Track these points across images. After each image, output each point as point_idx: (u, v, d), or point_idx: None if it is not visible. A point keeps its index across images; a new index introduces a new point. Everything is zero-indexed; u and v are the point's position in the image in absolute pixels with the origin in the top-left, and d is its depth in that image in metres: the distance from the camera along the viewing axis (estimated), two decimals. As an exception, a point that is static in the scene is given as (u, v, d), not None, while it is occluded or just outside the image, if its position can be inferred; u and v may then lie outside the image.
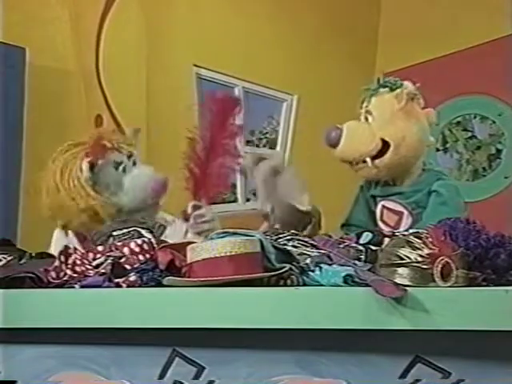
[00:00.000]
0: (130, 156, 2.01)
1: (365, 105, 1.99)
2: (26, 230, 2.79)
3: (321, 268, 1.35)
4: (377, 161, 1.94)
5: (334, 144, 1.98)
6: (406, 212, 1.93)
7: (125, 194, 1.96)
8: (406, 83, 1.98)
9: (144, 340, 1.30)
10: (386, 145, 1.93)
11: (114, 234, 1.60)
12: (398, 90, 1.95)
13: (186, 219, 1.89)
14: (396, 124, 1.94)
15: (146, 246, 1.49)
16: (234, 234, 1.40)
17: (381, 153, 1.94)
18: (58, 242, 1.96)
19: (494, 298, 1.20)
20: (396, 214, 1.95)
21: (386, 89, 1.97)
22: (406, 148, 1.93)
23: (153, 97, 3.40)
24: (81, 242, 1.91)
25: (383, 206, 1.99)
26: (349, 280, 1.28)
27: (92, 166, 1.92)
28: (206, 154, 1.89)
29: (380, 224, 1.98)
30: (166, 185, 2.00)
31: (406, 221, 1.92)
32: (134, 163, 2.01)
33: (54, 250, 1.86)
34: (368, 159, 1.94)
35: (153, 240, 1.54)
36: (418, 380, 1.24)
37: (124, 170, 1.98)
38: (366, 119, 1.98)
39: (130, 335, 1.29)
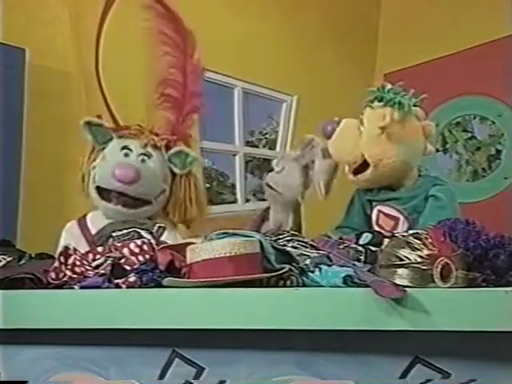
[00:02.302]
0: (145, 145, 2.00)
1: (362, 112, 1.96)
2: (26, 231, 2.79)
3: (320, 269, 1.35)
4: (359, 175, 1.95)
5: (326, 136, 2.00)
6: (402, 217, 1.93)
7: (98, 170, 1.97)
8: (401, 100, 1.90)
9: (144, 341, 1.30)
10: (366, 161, 1.93)
11: (114, 234, 1.61)
12: (385, 110, 1.89)
13: None
14: (377, 145, 1.90)
15: (145, 247, 1.49)
16: (234, 234, 1.40)
17: (362, 167, 1.94)
18: (66, 240, 1.95)
19: (494, 298, 1.20)
20: (392, 219, 1.95)
21: (381, 103, 1.91)
22: (383, 169, 1.91)
23: (153, 97, 3.39)
24: (86, 237, 1.92)
25: (379, 211, 1.99)
26: (348, 281, 1.28)
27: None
28: None
29: (376, 228, 1.97)
30: (133, 176, 1.92)
31: (402, 226, 1.91)
32: (146, 155, 2.00)
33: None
34: (346, 168, 1.97)
35: (152, 241, 1.54)
36: (417, 381, 1.24)
37: (126, 155, 1.98)
38: (358, 128, 1.96)
39: (129, 336, 1.29)
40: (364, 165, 1.94)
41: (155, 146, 2.01)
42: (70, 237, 1.93)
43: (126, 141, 2.02)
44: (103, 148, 2.02)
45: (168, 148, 2.04)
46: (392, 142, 1.90)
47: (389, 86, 1.93)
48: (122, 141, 2.02)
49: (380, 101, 1.92)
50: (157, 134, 2.05)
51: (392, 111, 1.88)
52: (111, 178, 1.91)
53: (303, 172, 2.13)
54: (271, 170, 2.18)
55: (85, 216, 2.02)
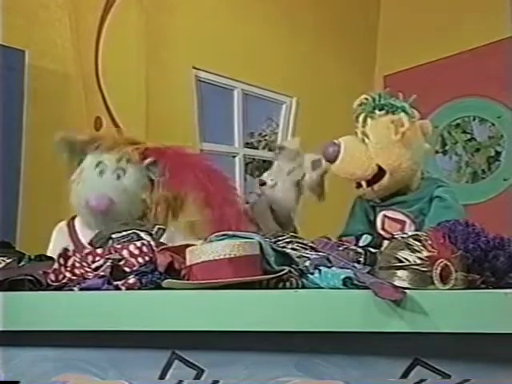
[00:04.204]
0: (119, 159, 1.94)
1: (361, 125, 1.96)
2: (26, 233, 2.79)
3: (320, 270, 1.35)
4: (375, 186, 1.95)
5: (331, 160, 1.98)
6: (408, 221, 1.93)
7: (74, 195, 1.93)
8: (403, 105, 1.94)
9: (143, 343, 1.30)
10: (381, 170, 1.94)
11: (113, 236, 1.60)
12: (396, 117, 1.91)
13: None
14: (393, 151, 1.92)
15: (145, 249, 1.49)
16: (234, 236, 1.40)
17: (377, 176, 1.94)
18: (56, 242, 1.95)
19: (493, 300, 1.20)
20: (398, 222, 1.95)
21: (383, 111, 1.94)
22: (401, 173, 1.94)
23: (152, 99, 3.40)
24: (74, 242, 1.90)
25: (384, 216, 1.99)
26: (348, 282, 1.28)
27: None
28: None
29: (382, 233, 1.97)
30: (106, 205, 1.87)
31: (409, 229, 1.91)
32: (123, 170, 1.93)
33: (53, 249, 1.86)
34: (363, 183, 1.95)
35: (152, 242, 1.54)
36: (417, 382, 1.24)
37: (101, 172, 1.92)
38: (363, 140, 1.96)
39: (128, 338, 1.29)
40: (378, 175, 1.94)
41: (130, 159, 1.96)
42: (62, 238, 1.93)
43: (101, 156, 1.95)
44: (81, 161, 1.97)
45: (145, 156, 1.98)
46: (405, 146, 1.93)
47: (382, 93, 1.97)
48: (97, 156, 1.95)
49: (380, 110, 1.94)
50: (133, 143, 1.99)
51: (405, 117, 1.91)
52: (86, 208, 1.88)
53: (296, 187, 2.11)
54: (263, 183, 2.16)
55: (74, 218, 2.00)
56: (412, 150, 1.94)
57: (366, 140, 1.95)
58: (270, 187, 2.12)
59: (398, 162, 1.92)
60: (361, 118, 1.96)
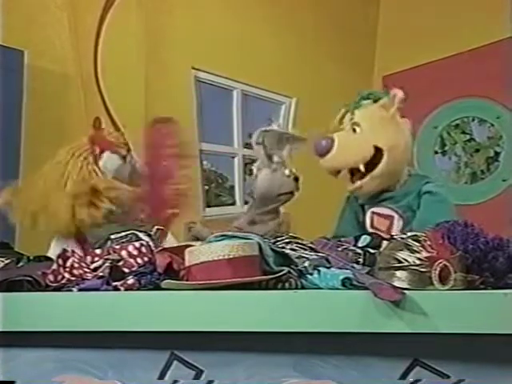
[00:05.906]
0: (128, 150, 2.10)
1: (349, 118, 2.00)
2: (25, 233, 2.78)
3: (319, 271, 1.35)
4: (373, 172, 1.95)
5: (324, 153, 1.98)
6: (396, 216, 1.94)
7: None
8: (392, 91, 2.01)
9: (142, 343, 1.30)
10: (378, 153, 1.94)
11: (112, 237, 1.60)
12: (385, 99, 1.97)
13: None
14: (387, 131, 1.97)
15: (144, 249, 1.49)
16: (233, 236, 1.40)
17: (373, 162, 1.95)
18: (56, 248, 1.94)
19: (493, 301, 1.20)
20: (386, 218, 1.96)
21: (369, 100, 2.00)
22: (398, 153, 1.96)
23: (151, 99, 3.40)
24: (80, 244, 1.91)
25: (373, 213, 2.00)
26: (347, 283, 1.28)
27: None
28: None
29: (371, 231, 1.97)
30: None
31: (397, 224, 1.92)
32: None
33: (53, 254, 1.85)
34: (361, 166, 1.95)
35: (151, 243, 1.54)
36: (414, 382, 1.24)
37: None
38: (354, 130, 1.99)
39: (127, 338, 1.29)
40: (375, 159, 1.95)
41: None
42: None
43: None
44: None
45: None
46: (396, 126, 1.99)
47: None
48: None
49: (367, 99, 2.01)
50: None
51: (394, 97, 1.97)
52: None
53: (278, 169, 2.07)
54: (250, 173, 2.14)
55: None
56: (403, 134, 2.00)
57: (358, 129, 1.98)
58: (255, 176, 2.08)
59: (393, 139, 1.96)
60: (349, 112, 2.01)
